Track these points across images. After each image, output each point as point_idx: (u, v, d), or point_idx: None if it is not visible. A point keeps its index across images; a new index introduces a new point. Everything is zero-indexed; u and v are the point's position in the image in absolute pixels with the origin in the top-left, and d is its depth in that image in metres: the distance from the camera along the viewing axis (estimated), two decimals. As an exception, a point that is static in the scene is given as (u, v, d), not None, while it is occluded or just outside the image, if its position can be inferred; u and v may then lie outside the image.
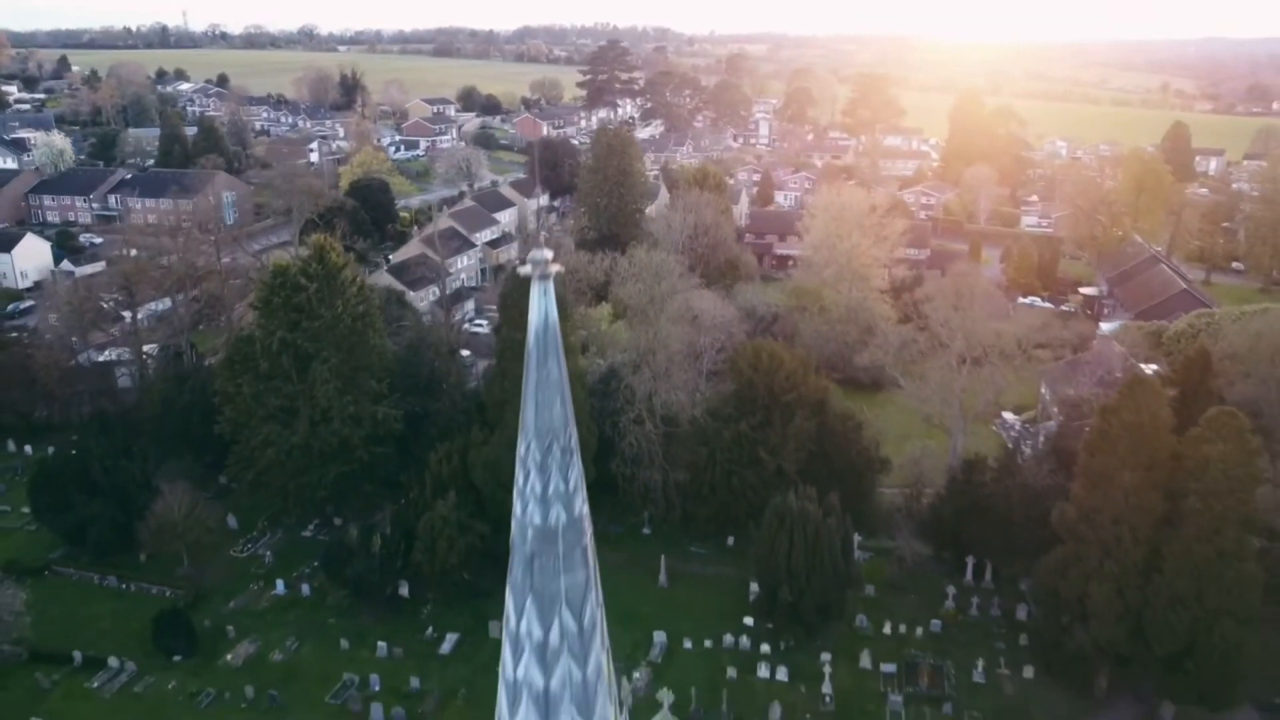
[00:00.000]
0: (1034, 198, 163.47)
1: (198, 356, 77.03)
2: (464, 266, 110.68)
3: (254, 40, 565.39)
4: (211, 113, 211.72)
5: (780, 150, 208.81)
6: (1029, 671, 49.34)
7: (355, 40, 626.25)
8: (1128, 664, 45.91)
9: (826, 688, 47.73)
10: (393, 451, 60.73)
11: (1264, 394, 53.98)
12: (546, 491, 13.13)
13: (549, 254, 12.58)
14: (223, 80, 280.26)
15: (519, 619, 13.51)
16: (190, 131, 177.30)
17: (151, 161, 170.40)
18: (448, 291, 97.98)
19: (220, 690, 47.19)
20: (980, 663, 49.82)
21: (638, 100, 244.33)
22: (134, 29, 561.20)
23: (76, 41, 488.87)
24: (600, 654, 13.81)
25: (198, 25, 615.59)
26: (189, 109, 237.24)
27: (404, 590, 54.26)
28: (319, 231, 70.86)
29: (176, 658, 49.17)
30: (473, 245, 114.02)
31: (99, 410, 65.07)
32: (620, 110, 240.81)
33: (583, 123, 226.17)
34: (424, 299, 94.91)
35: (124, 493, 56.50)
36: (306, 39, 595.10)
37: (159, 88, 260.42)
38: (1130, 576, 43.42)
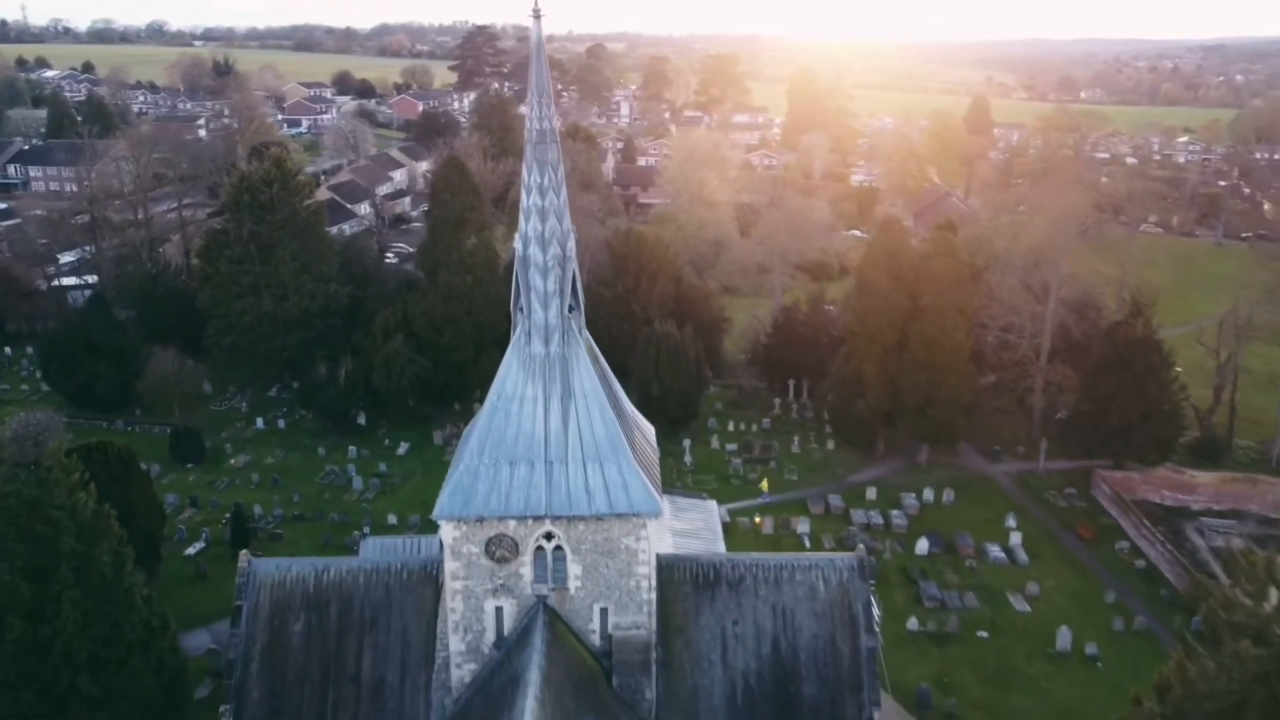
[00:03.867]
0: (862, 161, 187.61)
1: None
2: (365, 214, 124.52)
3: (102, 35, 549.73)
4: (92, 96, 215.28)
5: (640, 125, 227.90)
6: (831, 445, 68.82)
7: (208, 36, 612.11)
8: (893, 426, 65.65)
9: (688, 458, 65.93)
10: (340, 324, 75.52)
11: (994, 255, 75.07)
12: (543, 114, 30.08)
13: (540, 6, 29.73)
14: (89, 68, 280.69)
15: (529, 176, 30.44)
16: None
17: (36, 140, 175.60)
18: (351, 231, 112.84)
19: (232, 479, 61.82)
20: (796, 440, 69.07)
21: (507, 83, 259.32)
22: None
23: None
24: (564, 190, 30.90)
25: (38, 19, 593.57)
26: (60, 94, 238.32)
27: (362, 420, 69.53)
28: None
29: (190, 465, 63.25)
30: (372, 196, 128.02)
31: (94, 297, 76.95)
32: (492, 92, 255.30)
33: (455, 104, 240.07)
34: (338, 234, 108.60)
35: (123, 356, 69.71)
36: (157, 34, 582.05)
37: (23, 75, 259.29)
38: (889, 355, 63.06)
